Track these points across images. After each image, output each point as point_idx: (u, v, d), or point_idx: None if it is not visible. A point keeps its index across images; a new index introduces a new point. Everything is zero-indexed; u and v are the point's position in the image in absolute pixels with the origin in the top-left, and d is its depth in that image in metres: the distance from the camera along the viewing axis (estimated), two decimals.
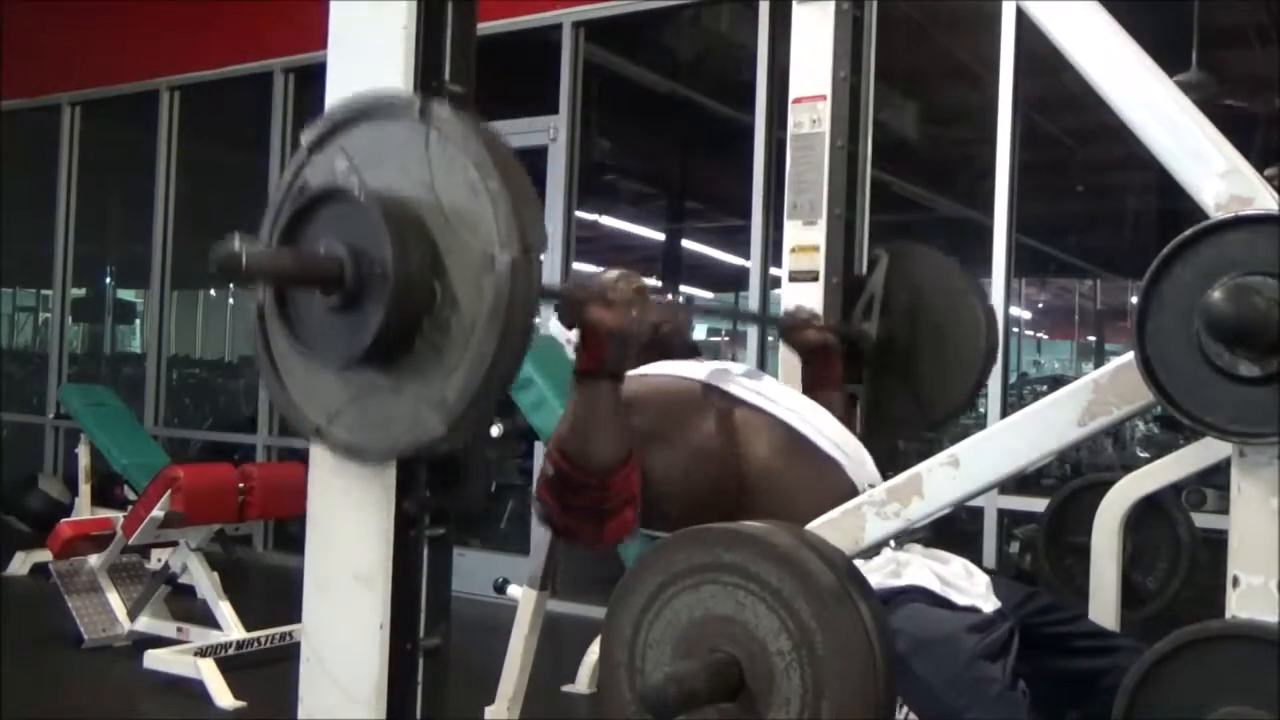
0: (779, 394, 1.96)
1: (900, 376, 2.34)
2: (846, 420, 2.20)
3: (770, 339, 4.65)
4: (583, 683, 3.74)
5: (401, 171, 1.19)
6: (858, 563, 1.38)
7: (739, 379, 1.95)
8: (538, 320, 2.71)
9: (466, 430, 1.19)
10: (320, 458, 1.32)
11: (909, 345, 2.32)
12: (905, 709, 1.54)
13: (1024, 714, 1.62)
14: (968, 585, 1.74)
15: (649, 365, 1.99)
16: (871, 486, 1.78)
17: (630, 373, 1.85)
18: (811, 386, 2.19)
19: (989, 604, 1.71)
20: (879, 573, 1.70)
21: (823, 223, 2.32)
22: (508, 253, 1.11)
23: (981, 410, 4.38)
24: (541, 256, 1.15)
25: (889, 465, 1.93)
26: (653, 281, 8.99)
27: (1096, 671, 1.75)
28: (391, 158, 1.20)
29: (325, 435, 1.26)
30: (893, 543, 1.70)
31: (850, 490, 1.78)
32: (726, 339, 11.69)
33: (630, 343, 1.64)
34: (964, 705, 1.55)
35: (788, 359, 2.27)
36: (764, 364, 4.70)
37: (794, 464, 1.85)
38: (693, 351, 2.11)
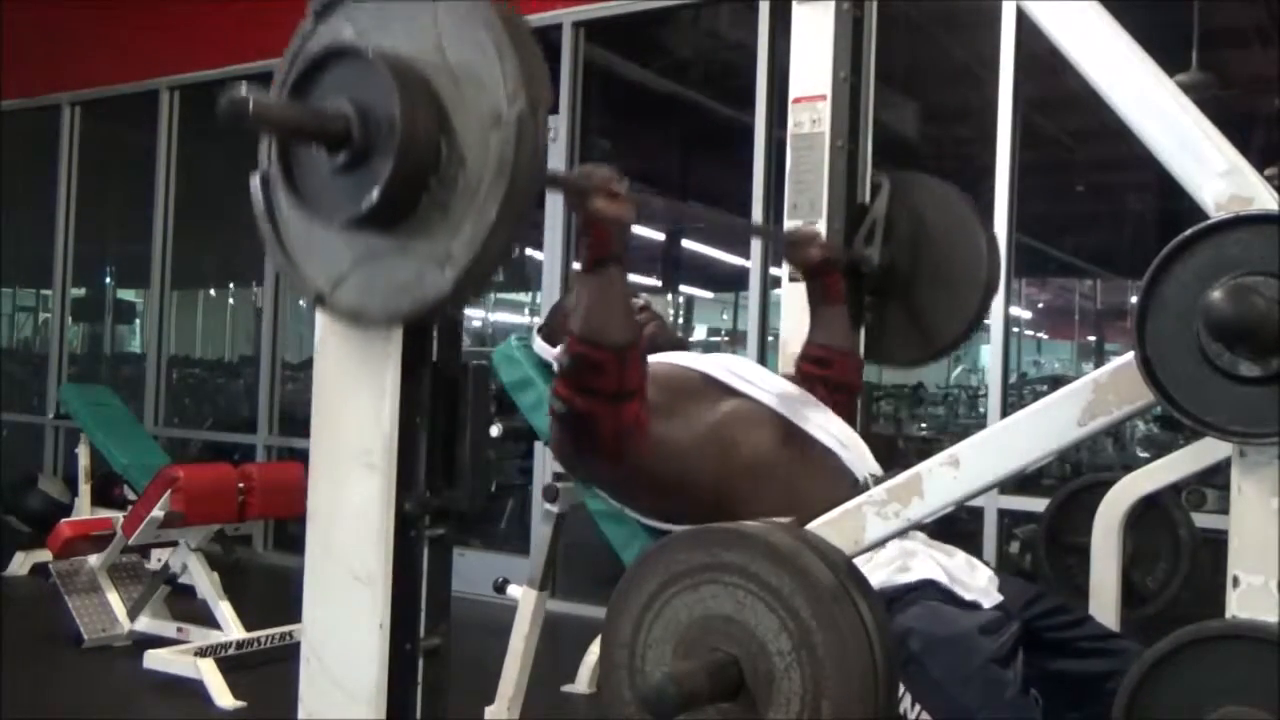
0: (777, 387, 1.96)
1: (902, 304, 2.34)
2: (850, 335, 2.22)
3: (770, 338, 4.64)
4: (583, 683, 3.74)
5: (409, 35, 1.19)
6: (866, 555, 1.38)
7: (736, 371, 1.95)
8: (525, 336, 2.66)
9: (472, 287, 1.18)
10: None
11: (911, 272, 2.32)
12: (918, 707, 1.54)
13: (1036, 717, 1.62)
14: (970, 580, 1.74)
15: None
16: (872, 477, 1.78)
17: None
18: (815, 302, 2.20)
19: (990, 599, 1.71)
20: (888, 567, 1.70)
21: (823, 223, 2.32)
22: (515, 108, 1.11)
23: (981, 410, 4.37)
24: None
25: (889, 463, 1.93)
26: (652, 281, 9.02)
27: (1101, 674, 1.75)
28: (398, 22, 1.20)
29: (330, 301, 1.26)
30: None
31: (850, 481, 1.78)
32: (726, 339, 11.71)
33: (629, 233, 1.74)
34: (977, 706, 1.55)
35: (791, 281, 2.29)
36: (764, 362, 4.69)
37: (792, 455, 1.85)
38: (681, 348, 2.11)
